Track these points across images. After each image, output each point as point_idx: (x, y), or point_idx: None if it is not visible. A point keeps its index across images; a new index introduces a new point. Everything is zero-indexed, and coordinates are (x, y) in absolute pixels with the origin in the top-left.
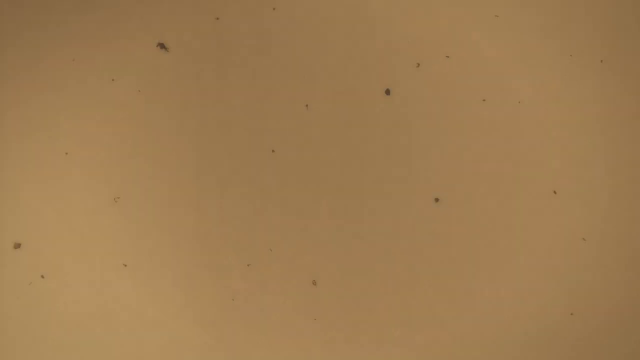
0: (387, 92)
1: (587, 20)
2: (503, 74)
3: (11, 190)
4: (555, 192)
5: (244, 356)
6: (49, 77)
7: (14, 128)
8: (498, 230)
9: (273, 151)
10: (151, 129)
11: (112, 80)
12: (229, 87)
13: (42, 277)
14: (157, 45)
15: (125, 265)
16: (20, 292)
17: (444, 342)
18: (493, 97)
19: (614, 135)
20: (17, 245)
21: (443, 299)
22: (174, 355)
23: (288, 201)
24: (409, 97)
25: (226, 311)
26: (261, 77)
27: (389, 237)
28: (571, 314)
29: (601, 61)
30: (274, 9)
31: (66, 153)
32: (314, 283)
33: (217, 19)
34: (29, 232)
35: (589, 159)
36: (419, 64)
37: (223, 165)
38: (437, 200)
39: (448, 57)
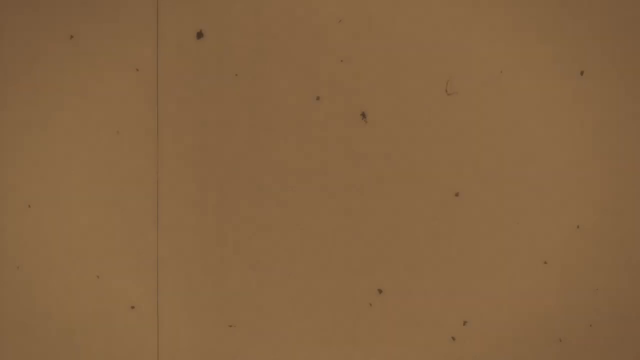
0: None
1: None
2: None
3: (11, 188)
4: (557, 194)
5: (243, 356)
6: (50, 77)
7: (14, 127)
8: (498, 230)
9: (276, 150)
10: (151, 127)
11: (113, 78)
12: (231, 84)
13: (41, 274)
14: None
15: (125, 265)
16: (19, 290)
17: (444, 342)
18: (506, 99)
19: (614, 136)
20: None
21: (443, 298)
22: (173, 355)
23: (289, 201)
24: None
25: (226, 311)
26: (264, 74)
27: (389, 236)
28: (573, 313)
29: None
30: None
31: (65, 152)
32: (314, 283)
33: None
34: (28, 231)
35: (591, 157)
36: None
37: (224, 163)
38: (440, 200)
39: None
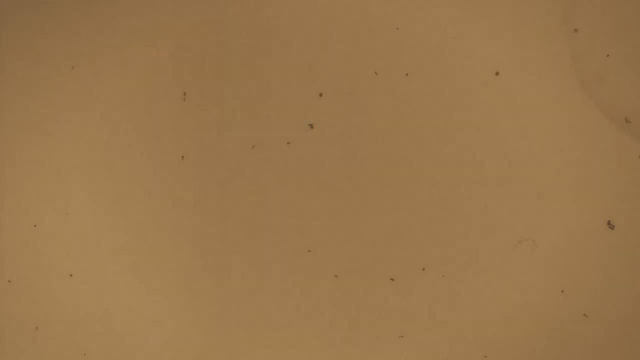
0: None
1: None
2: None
3: (12, 189)
4: (559, 194)
5: (243, 356)
6: (50, 77)
7: (15, 128)
8: (499, 229)
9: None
10: (152, 129)
11: (112, 80)
12: (230, 85)
13: (41, 276)
14: None
15: (124, 265)
16: (19, 292)
17: (444, 342)
18: (497, 99)
19: (613, 134)
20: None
21: (443, 298)
22: (173, 355)
23: (288, 201)
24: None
25: (226, 311)
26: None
27: (389, 236)
28: (574, 313)
29: (607, 55)
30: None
31: (66, 153)
32: (313, 283)
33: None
34: (29, 231)
35: (589, 157)
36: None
37: (224, 164)
38: (437, 199)
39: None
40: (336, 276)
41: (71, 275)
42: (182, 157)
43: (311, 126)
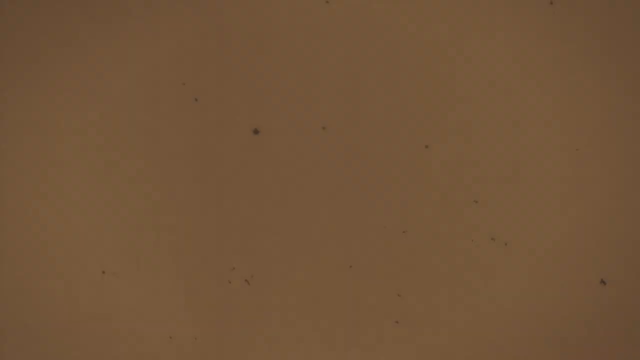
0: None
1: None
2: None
3: (12, 189)
4: (558, 192)
5: (243, 356)
6: (49, 76)
7: (15, 128)
8: (499, 229)
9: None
10: (150, 129)
11: (112, 80)
12: (231, 85)
13: (42, 276)
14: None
15: (124, 265)
16: (19, 292)
17: (444, 342)
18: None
19: (614, 129)
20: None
21: (443, 298)
22: (173, 355)
23: (287, 203)
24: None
25: (226, 311)
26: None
27: (388, 235)
28: (574, 312)
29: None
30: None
31: (66, 154)
32: (312, 284)
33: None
34: (28, 232)
35: (590, 152)
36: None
37: (222, 165)
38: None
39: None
40: (335, 277)
41: (70, 275)
42: (182, 156)
43: (324, 128)
